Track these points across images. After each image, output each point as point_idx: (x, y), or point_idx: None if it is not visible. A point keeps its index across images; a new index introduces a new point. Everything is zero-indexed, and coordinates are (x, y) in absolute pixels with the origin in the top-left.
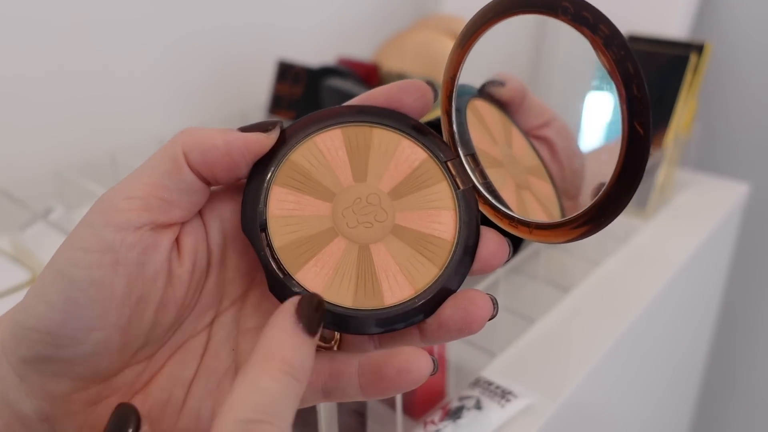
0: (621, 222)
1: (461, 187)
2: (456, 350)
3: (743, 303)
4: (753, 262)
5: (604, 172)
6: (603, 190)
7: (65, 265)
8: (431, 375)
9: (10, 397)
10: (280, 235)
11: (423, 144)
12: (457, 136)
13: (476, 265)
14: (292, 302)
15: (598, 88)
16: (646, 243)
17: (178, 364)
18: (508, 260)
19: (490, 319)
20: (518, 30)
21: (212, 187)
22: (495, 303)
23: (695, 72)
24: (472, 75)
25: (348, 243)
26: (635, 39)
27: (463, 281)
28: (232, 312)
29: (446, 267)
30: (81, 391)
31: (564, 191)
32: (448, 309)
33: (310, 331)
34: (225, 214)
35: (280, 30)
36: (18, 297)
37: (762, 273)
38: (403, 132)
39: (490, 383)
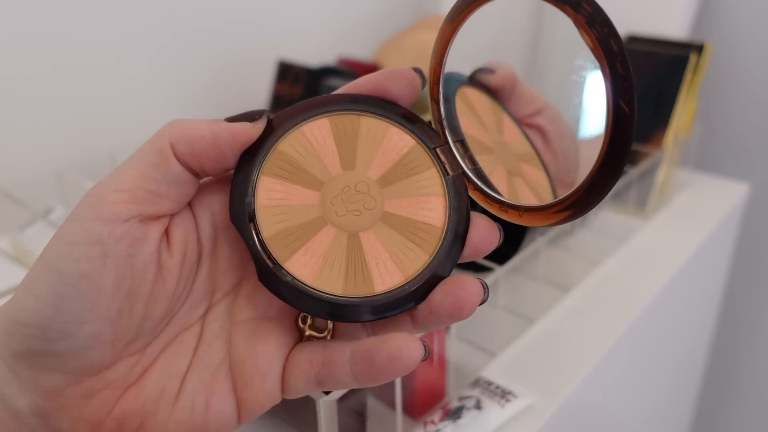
0: (621, 222)
1: (450, 173)
2: (456, 350)
3: (743, 303)
4: (753, 262)
5: (596, 156)
6: (589, 171)
7: (54, 259)
8: (422, 361)
9: (3, 392)
10: (268, 224)
11: (411, 131)
12: (445, 122)
13: (467, 250)
14: None
15: (589, 70)
16: (646, 243)
17: (172, 357)
18: (498, 245)
19: (480, 304)
20: (506, 12)
21: (202, 179)
22: (485, 288)
23: (695, 72)
24: (460, 61)
25: (337, 231)
26: (635, 39)
27: (453, 267)
28: (225, 304)
29: (436, 253)
30: (74, 385)
31: (558, 179)
32: (439, 295)
33: None
34: (215, 206)
35: (280, 30)
36: None
37: (762, 273)
38: (391, 119)
39: (490, 383)
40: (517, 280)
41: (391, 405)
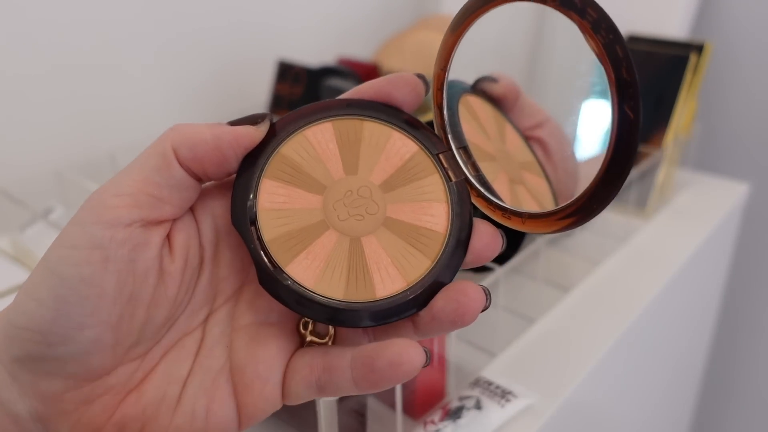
0: (621, 222)
1: (453, 179)
2: (456, 350)
3: (743, 303)
4: (753, 262)
5: (600, 162)
6: (594, 176)
7: (55, 263)
8: (423, 367)
9: (2, 396)
10: (270, 228)
11: (414, 137)
12: (448, 128)
13: (469, 256)
14: None
15: (593, 75)
16: (646, 243)
17: (173, 362)
18: (501, 252)
19: (482, 311)
20: (509, 19)
21: (204, 184)
22: (488, 294)
23: (695, 72)
24: (464, 67)
25: (339, 236)
26: (635, 39)
27: (456, 273)
28: (227, 309)
29: (439, 259)
30: (74, 390)
31: (558, 192)
32: (441, 301)
33: None
34: (217, 211)
35: (280, 30)
36: None
37: (762, 273)
38: (394, 125)
39: (490, 383)
40: (517, 280)
41: (391, 405)
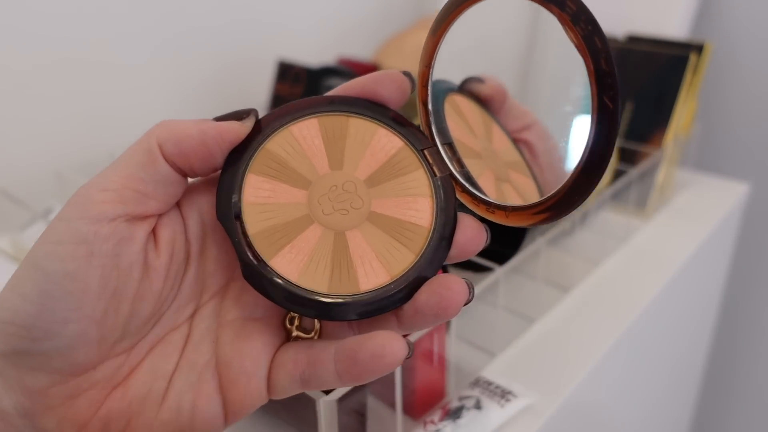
0: (621, 222)
1: (438, 175)
2: (456, 350)
3: (743, 303)
4: (753, 262)
5: (580, 154)
6: (574, 167)
7: (39, 258)
8: (406, 358)
9: None
10: (254, 222)
11: (399, 133)
12: (433, 125)
13: (453, 251)
14: None
15: (574, 68)
16: (646, 243)
17: (159, 357)
18: (485, 246)
19: (465, 304)
20: (496, 14)
21: (191, 180)
22: (471, 287)
23: (695, 72)
24: (451, 65)
25: (324, 230)
26: (635, 39)
27: (440, 267)
28: (213, 304)
29: (423, 253)
30: (59, 385)
31: (545, 192)
32: (424, 294)
33: None
34: (204, 207)
35: (280, 30)
36: None
37: (762, 273)
38: (380, 121)
39: (489, 383)
40: (517, 280)
41: (391, 405)
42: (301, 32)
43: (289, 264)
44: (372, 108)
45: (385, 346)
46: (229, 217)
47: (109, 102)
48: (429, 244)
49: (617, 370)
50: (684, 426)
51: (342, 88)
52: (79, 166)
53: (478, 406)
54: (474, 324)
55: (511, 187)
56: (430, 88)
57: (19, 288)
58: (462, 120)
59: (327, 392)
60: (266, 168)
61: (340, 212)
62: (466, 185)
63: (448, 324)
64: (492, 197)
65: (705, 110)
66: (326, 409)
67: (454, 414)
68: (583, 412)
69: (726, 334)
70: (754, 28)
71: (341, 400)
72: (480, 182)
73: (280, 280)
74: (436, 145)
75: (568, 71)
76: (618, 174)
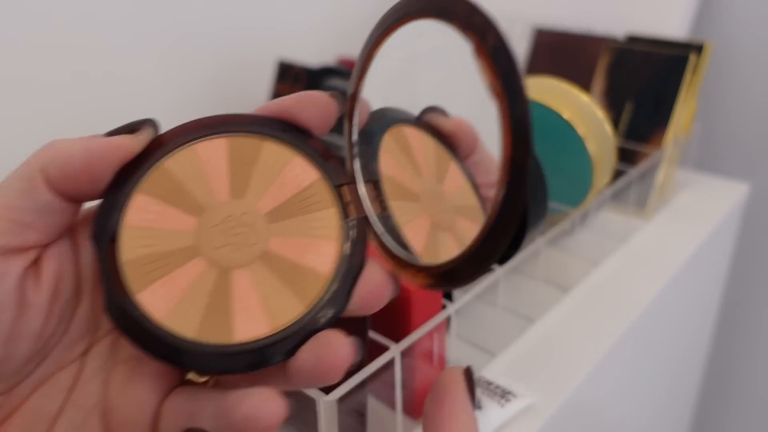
0: (621, 222)
1: (351, 216)
2: (456, 350)
3: (743, 303)
4: (753, 262)
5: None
6: (477, 232)
7: None
8: (284, 421)
9: None
10: (131, 247)
11: (317, 164)
12: (358, 159)
13: (353, 305)
14: (461, 374)
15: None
16: (646, 243)
17: (43, 398)
18: (392, 299)
19: (351, 367)
20: (420, 37)
21: (85, 204)
22: (358, 348)
23: (695, 72)
24: (395, 90)
25: (207, 265)
26: (635, 39)
27: (332, 322)
28: (109, 340)
29: (314, 305)
30: None
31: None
32: (304, 353)
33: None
34: None
35: (280, 30)
36: None
37: (762, 273)
38: (298, 148)
39: (489, 383)
40: (517, 280)
41: (391, 405)
42: (301, 32)
43: (159, 301)
44: (292, 133)
45: (260, 408)
46: (102, 238)
47: (109, 103)
48: (324, 295)
49: (617, 370)
50: (684, 425)
51: (261, 108)
52: None
53: (478, 406)
54: (474, 324)
55: (452, 236)
56: (355, 117)
57: None
58: (405, 156)
59: (327, 392)
60: (158, 188)
61: (230, 247)
62: (382, 231)
63: (448, 323)
64: (417, 247)
65: (705, 110)
66: (326, 409)
67: None
68: (583, 412)
69: (726, 334)
70: (754, 28)
71: (341, 400)
72: (406, 229)
73: (141, 318)
74: (355, 181)
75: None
76: (618, 174)
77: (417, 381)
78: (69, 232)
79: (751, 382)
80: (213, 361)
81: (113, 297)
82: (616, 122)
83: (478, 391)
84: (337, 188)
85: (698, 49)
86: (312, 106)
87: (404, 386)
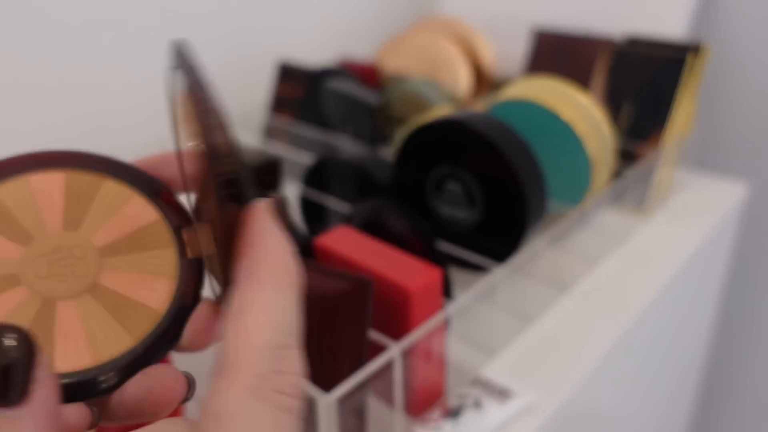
0: (620, 222)
1: (188, 257)
2: (455, 349)
3: (742, 303)
4: (752, 262)
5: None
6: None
7: None
8: None
9: None
10: None
11: (157, 204)
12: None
13: (185, 340)
14: (266, 205)
15: None
16: (645, 243)
17: None
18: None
19: (184, 402)
20: None
21: None
22: (191, 385)
23: (693, 73)
24: None
25: (30, 295)
26: (634, 41)
27: (161, 357)
28: None
29: (144, 340)
30: None
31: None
32: (133, 387)
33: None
34: None
35: (280, 30)
36: None
37: (761, 273)
38: (139, 189)
39: (489, 382)
40: (517, 280)
41: (391, 404)
42: (301, 32)
43: None
44: (135, 175)
45: None
46: None
47: (110, 103)
48: (154, 330)
49: (616, 369)
50: (682, 425)
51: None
52: None
53: (477, 404)
54: (473, 323)
55: None
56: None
57: None
58: None
59: (327, 391)
60: None
61: (57, 278)
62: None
63: (447, 323)
64: None
65: (705, 110)
66: (326, 408)
67: (454, 413)
68: (581, 411)
69: (725, 334)
70: (754, 28)
71: (341, 399)
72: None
73: None
74: (194, 223)
75: None
76: (617, 174)
77: (417, 380)
78: None
79: (750, 381)
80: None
81: None
82: (615, 123)
83: (477, 390)
84: (176, 229)
85: (696, 50)
86: (173, 165)
87: (404, 385)
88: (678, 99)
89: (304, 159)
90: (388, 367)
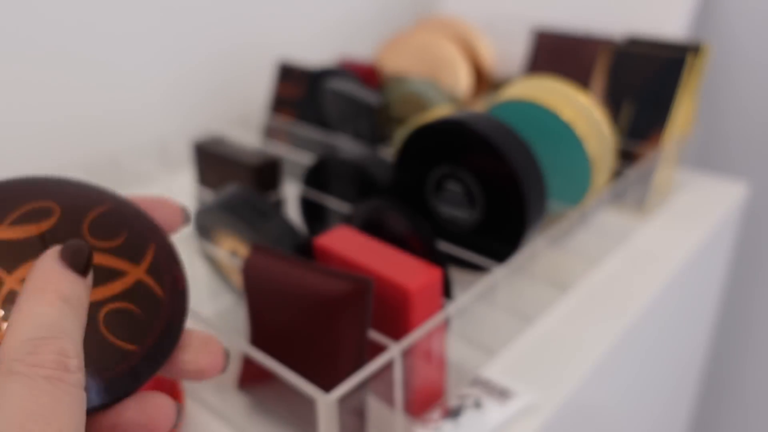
0: (620, 222)
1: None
2: (455, 349)
3: (742, 303)
4: (752, 262)
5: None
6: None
7: None
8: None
9: None
10: None
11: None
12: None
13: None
14: (55, 249)
15: None
16: (645, 242)
17: None
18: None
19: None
20: None
21: None
22: (178, 413)
23: (693, 73)
24: None
25: None
26: (634, 41)
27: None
28: None
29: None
30: None
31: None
32: (131, 411)
33: (78, 270)
34: None
35: (280, 30)
36: None
37: (761, 273)
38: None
39: (489, 382)
40: (517, 280)
41: (391, 404)
42: (301, 32)
43: None
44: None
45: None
46: None
47: (110, 103)
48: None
49: (616, 369)
50: (682, 425)
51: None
52: (79, 167)
53: (477, 404)
54: (473, 323)
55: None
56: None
57: None
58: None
59: (327, 392)
60: None
61: None
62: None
63: (447, 323)
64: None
65: (705, 110)
66: (326, 408)
67: (454, 413)
68: (581, 411)
69: (725, 333)
70: (754, 28)
71: (341, 399)
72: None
73: None
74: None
75: None
76: (617, 174)
77: (417, 380)
78: None
79: (750, 381)
80: None
81: None
82: (615, 123)
83: (477, 390)
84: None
85: (696, 50)
86: (162, 209)
87: (404, 385)
88: (678, 99)
89: (304, 159)
90: (388, 367)
